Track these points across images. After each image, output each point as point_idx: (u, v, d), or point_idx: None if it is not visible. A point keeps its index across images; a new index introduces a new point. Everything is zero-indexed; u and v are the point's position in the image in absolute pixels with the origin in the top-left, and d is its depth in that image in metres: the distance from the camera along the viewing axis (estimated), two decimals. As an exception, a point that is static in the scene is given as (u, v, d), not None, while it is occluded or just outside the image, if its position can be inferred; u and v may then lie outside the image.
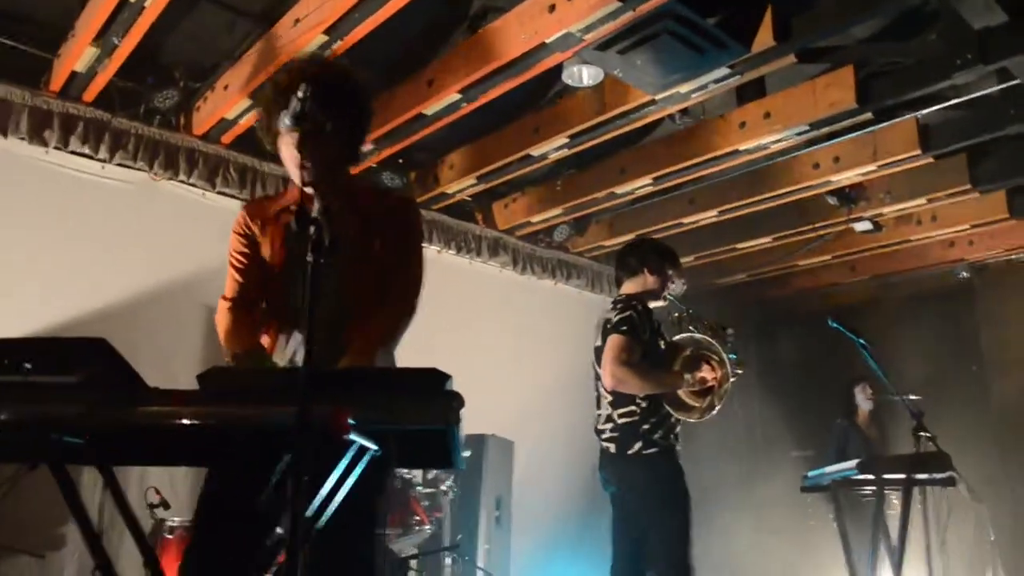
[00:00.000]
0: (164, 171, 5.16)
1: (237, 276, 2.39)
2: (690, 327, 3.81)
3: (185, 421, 1.53)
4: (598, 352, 3.69)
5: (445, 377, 1.57)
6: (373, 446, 1.65)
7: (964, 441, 5.50)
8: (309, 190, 2.27)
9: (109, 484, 1.91)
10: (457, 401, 1.56)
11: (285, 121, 1.86)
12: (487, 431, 5.77)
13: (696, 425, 6.59)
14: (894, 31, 4.51)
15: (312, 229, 1.48)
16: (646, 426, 3.55)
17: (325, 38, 4.21)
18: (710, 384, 3.63)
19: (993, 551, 5.61)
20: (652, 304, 3.80)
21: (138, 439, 1.76)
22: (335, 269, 2.08)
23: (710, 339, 3.71)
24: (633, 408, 3.57)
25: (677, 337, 3.83)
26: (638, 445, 3.52)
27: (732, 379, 3.61)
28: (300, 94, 1.80)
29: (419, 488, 4.71)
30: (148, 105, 5.01)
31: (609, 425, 3.63)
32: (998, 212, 6.21)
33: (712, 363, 3.67)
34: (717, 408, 3.61)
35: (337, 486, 1.73)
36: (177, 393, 1.60)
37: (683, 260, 7.47)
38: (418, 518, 4.54)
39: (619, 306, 3.67)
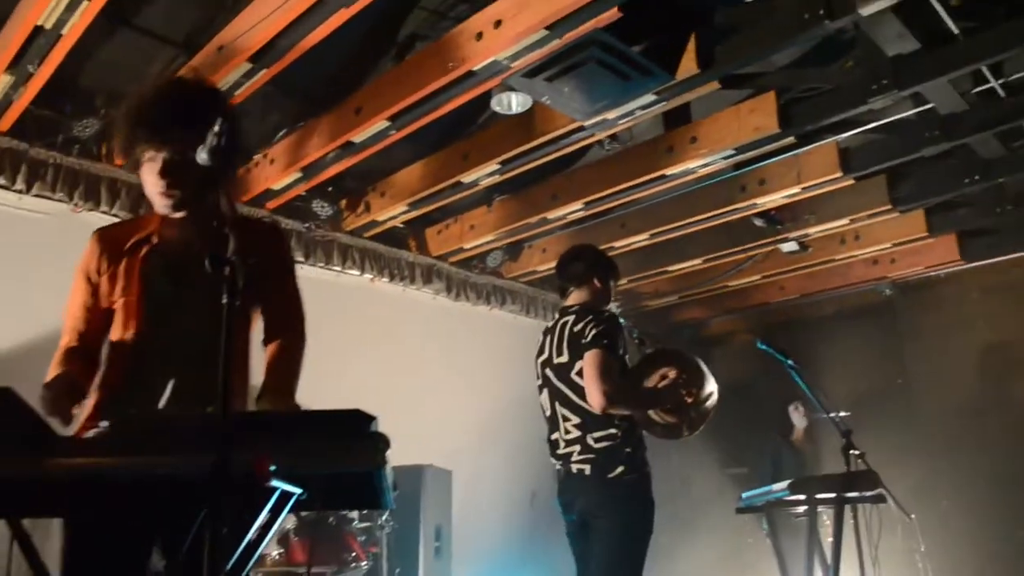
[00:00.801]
0: (85, 202, 4.99)
1: (80, 319, 2.17)
2: (635, 340, 3.73)
3: (94, 472, 1.46)
4: (561, 368, 3.44)
5: (370, 418, 1.52)
6: (297, 490, 1.60)
7: (894, 453, 5.63)
8: (178, 215, 2.18)
9: (17, 537, 1.81)
10: (383, 443, 1.52)
11: (202, 155, 1.79)
12: (424, 461, 5.69)
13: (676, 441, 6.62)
14: (813, 58, 4.64)
15: (227, 270, 1.42)
16: (628, 449, 3.31)
17: (250, 66, 4.14)
18: (689, 403, 3.45)
19: (924, 561, 5.73)
20: None
21: (46, 490, 1.67)
22: (199, 304, 1.98)
23: (690, 354, 3.62)
24: (613, 431, 3.30)
25: (652, 352, 3.73)
26: (620, 469, 3.27)
27: (714, 395, 3.50)
28: (217, 128, 1.74)
29: (355, 524, 4.61)
30: (67, 134, 4.85)
31: (578, 447, 3.34)
32: (917, 230, 6.41)
33: (690, 379, 3.50)
34: (701, 428, 3.46)
35: (261, 534, 1.67)
36: (86, 442, 1.52)
37: (616, 282, 7.65)
38: (354, 554, 4.44)
39: (590, 318, 3.39)
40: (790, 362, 3.95)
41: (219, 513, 1.34)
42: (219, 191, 1.59)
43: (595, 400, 3.24)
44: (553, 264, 6.98)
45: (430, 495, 5.61)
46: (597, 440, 3.31)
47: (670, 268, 7.30)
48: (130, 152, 2.13)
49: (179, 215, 2.19)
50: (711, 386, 3.51)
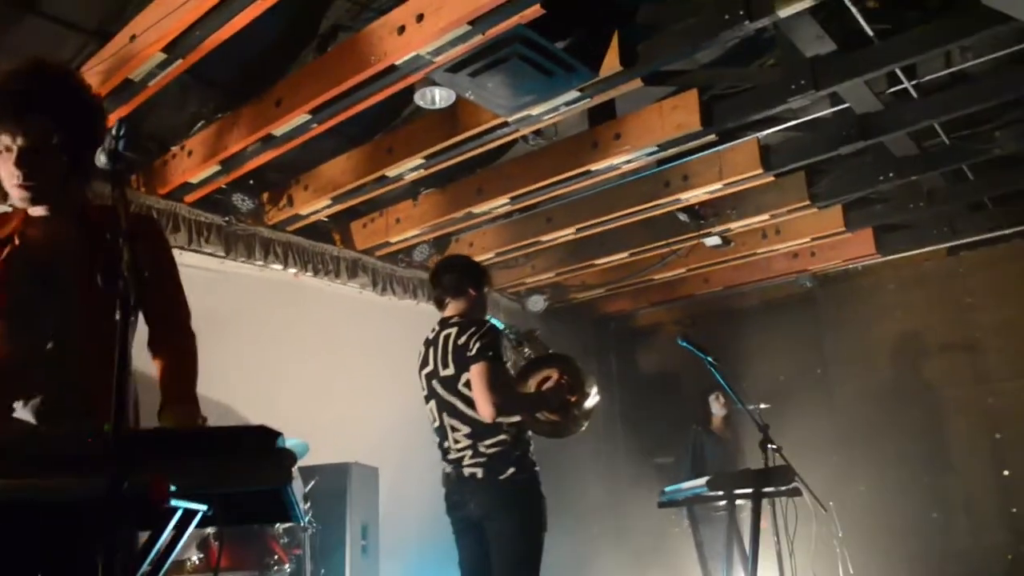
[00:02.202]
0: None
1: None
2: (513, 341, 3.80)
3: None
4: (448, 380, 3.50)
5: (275, 435, 1.48)
6: (201, 507, 1.56)
7: (813, 442, 5.81)
8: (38, 212, 2.06)
9: None
10: (288, 459, 1.48)
11: (101, 158, 1.72)
12: (350, 458, 5.63)
13: (558, 441, 6.65)
14: (735, 57, 4.71)
15: (120, 285, 1.36)
16: (518, 452, 3.42)
17: (164, 56, 4.02)
18: (573, 401, 3.60)
19: (841, 548, 5.91)
20: None
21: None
22: (70, 310, 1.89)
23: (569, 356, 3.71)
24: (504, 437, 3.40)
25: (534, 357, 3.81)
26: (511, 471, 3.37)
27: (594, 393, 3.61)
28: (115, 131, 1.67)
29: (277, 526, 4.53)
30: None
31: (468, 453, 3.45)
32: (835, 225, 6.59)
33: (571, 379, 3.64)
34: (584, 426, 3.60)
35: (166, 551, 1.62)
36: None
37: (543, 277, 7.71)
38: (276, 556, 4.37)
39: (472, 331, 3.47)
40: (709, 358, 4.01)
41: (112, 538, 1.29)
42: (114, 198, 1.50)
43: (485, 411, 3.34)
44: (482, 257, 7.04)
45: (356, 493, 5.54)
46: (488, 447, 3.41)
47: (596, 262, 7.36)
48: None
49: (41, 211, 2.06)
50: (591, 386, 3.64)
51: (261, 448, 1.47)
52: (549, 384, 3.67)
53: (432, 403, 3.62)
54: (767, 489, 3.68)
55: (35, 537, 1.82)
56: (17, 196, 2.01)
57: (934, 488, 7.05)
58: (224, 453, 1.46)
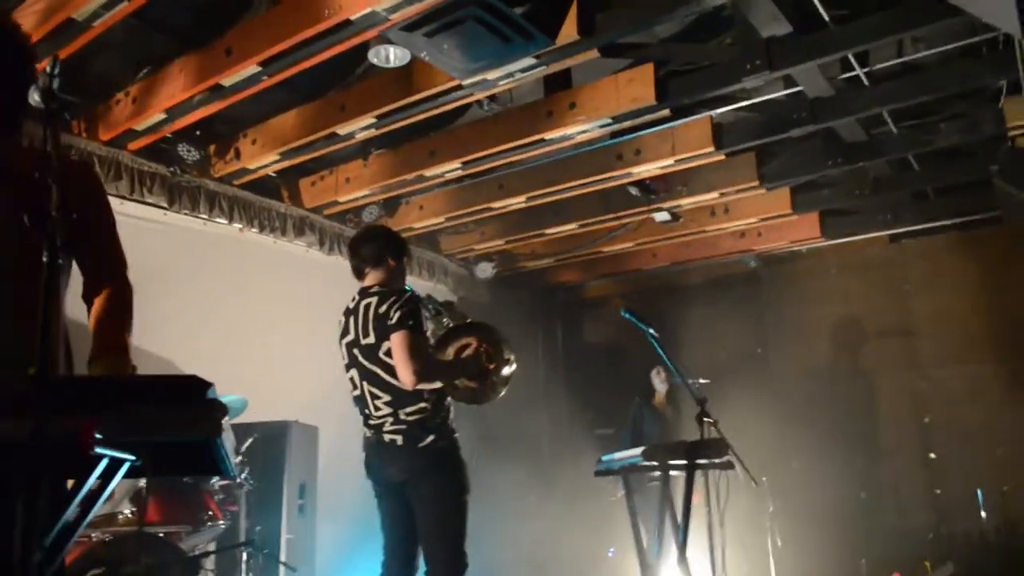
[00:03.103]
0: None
1: None
2: (432, 311, 3.82)
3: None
4: (368, 348, 3.53)
5: (206, 385, 1.47)
6: (129, 457, 1.54)
7: (750, 419, 5.93)
8: None
9: None
10: (219, 411, 1.47)
11: (34, 97, 1.66)
12: (290, 417, 5.60)
13: (502, 410, 6.70)
14: (692, 34, 4.73)
15: (48, 226, 1.33)
16: (438, 419, 3.49)
17: (111, -4, 3.89)
18: (489, 368, 3.65)
19: (772, 521, 6.07)
20: None
21: None
22: None
23: (488, 324, 3.74)
24: (424, 405, 3.47)
25: (453, 326, 3.82)
26: (431, 438, 3.44)
27: (512, 361, 3.66)
28: (49, 69, 1.62)
29: (213, 482, 4.50)
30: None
31: (389, 420, 3.49)
32: (783, 208, 6.71)
33: (489, 346, 3.69)
34: (503, 392, 3.64)
35: (90, 500, 1.61)
36: None
37: (493, 244, 7.71)
38: (211, 512, 4.34)
39: (392, 300, 3.50)
40: (651, 331, 4.07)
41: (35, 484, 1.28)
42: (45, 138, 1.46)
43: (406, 378, 3.37)
44: (429, 222, 7.00)
45: (295, 452, 5.53)
46: (409, 414, 3.47)
47: (546, 231, 7.38)
48: None
49: None
50: (509, 354, 3.68)
51: (191, 398, 1.46)
52: (468, 352, 3.71)
53: (353, 371, 3.65)
54: (700, 461, 3.76)
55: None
56: None
57: (864, 469, 7.27)
58: (153, 402, 1.45)
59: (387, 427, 3.49)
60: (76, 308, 2.12)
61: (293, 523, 5.43)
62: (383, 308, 3.50)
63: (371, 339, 3.53)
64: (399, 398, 3.47)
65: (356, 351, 3.61)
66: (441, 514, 3.43)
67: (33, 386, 1.35)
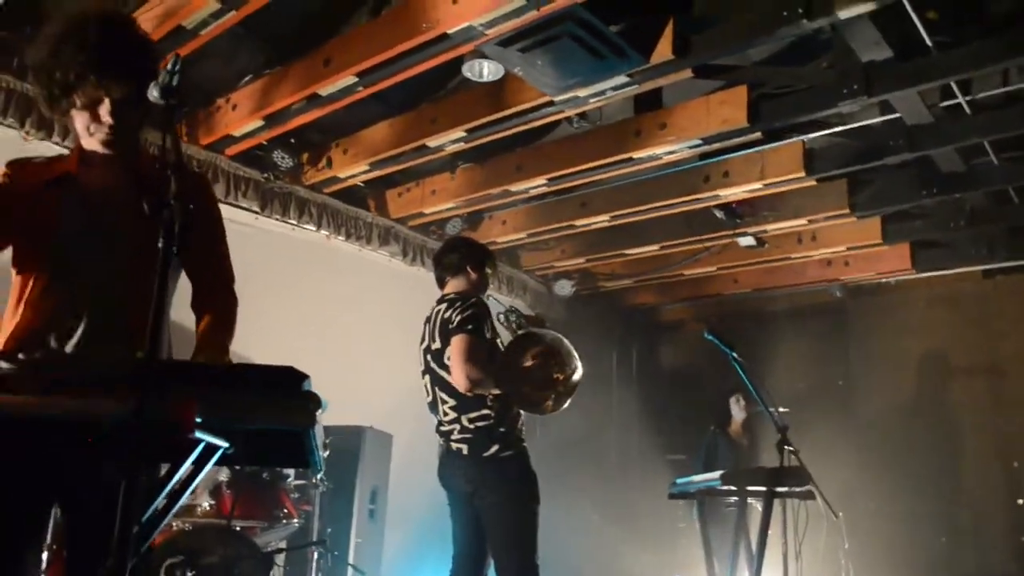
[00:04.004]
0: (37, 131, 4.83)
1: None
2: (513, 323, 3.78)
3: (13, 413, 1.40)
4: (436, 354, 3.57)
5: (302, 377, 1.49)
6: (223, 443, 1.57)
7: (827, 453, 5.75)
8: (96, 151, 2.11)
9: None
10: (313, 403, 1.49)
11: (154, 93, 1.71)
12: (366, 423, 5.67)
13: (572, 428, 6.65)
14: (788, 56, 4.65)
15: (165, 213, 1.37)
16: (502, 428, 3.47)
17: (218, 5, 4.03)
18: (558, 379, 3.53)
19: (846, 559, 5.86)
20: None
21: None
22: (119, 248, 1.93)
23: (556, 334, 3.67)
24: (487, 412, 3.46)
25: (525, 332, 3.77)
26: (495, 448, 3.43)
27: (579, 372, 3.57)
28: (171, 67, 1.68)
29: (289, 480, 4.57)
30: (24, 58, 4.67)
31: (456, 427, 3.51)
32: (872, 237, 6.50)
33: (559, 358, 3.57)
34: (567, 402, 3.52)
35: (182, 486, 1.64)
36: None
37: (573, 262, 7.69)
38: (286, 510, 4.41)
39: (458, 305, 3.55)
40: (735, 354, 3.99)
41: (136, 461, 1.31)
42: (164, 131, 1.53)
43: (460, 382, 3.40)
44: (511, 237, 7.02)
45: (369, 457, 5.59)
46: (472, 420, 3.47)
47: (627, 252, 7.31)
48: (73, 91, 2.01)
49: (104, 152, 2.11)
50: (576, 364, 3.58)
51: (288, 388, 1.48)
52: (534, 362, 3.62)
53: (427, 377, 3.70)
54: (780, 489, 3.66)
55: (54, 463, 1.84)
56: (100, 139, 2.06)
57: (945, 511, 6.97)
58: (251, 390, 1.47)
59: (455, 435, 3.51)
60: (180, 313, 2.20)
61: (363, 527, 5.48)
62: (448, 313, 3.55)
63: (438, 344, 3.59)
64: (463, 403, 3.49)
65: (428, 357, 3.66)
66: (508, 525, 3.41)
67: (139, 367, 1.38)
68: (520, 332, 3.77)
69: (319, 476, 4.79)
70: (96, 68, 1.97)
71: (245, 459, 1.56)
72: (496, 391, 3.48)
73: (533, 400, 3.59)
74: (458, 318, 3.48)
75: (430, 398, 3.68)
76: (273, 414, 1.46)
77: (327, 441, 4.94)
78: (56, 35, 2.02)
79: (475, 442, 3.45)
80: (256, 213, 5.82)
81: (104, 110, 2.03)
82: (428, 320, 3.75)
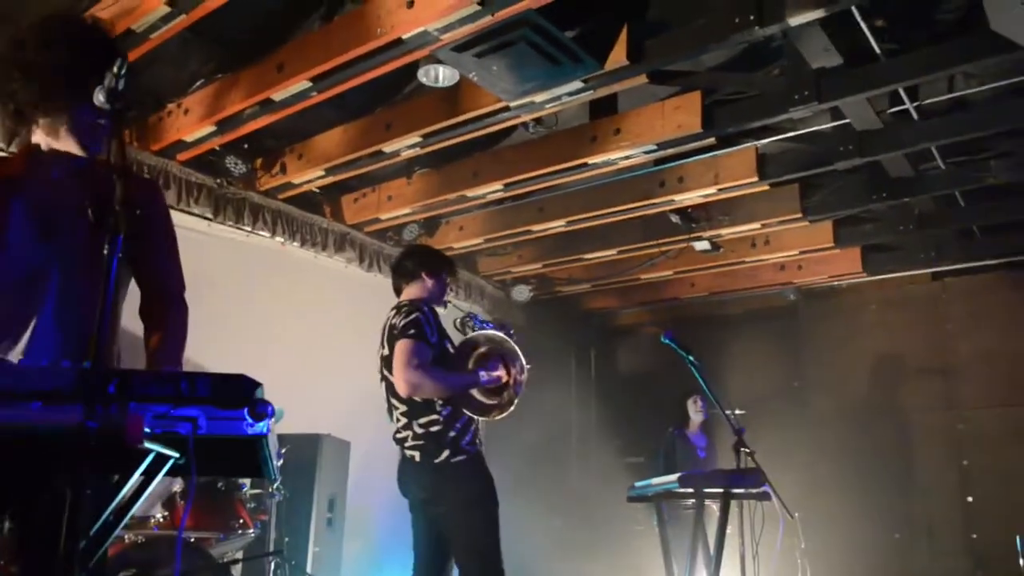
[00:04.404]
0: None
1: None
2: (469, 329, 3.78)
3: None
4: (386, 360, 3.56)
5: (254, 384, 1.47)
6: (173, 454, 1.54)
7: (783, 454, 5.82)
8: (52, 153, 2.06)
9: None
10: (267, 411, 1.46)
11: (99, 97, 1.68)
12: (323, 430, 5.61)
13: (528, 431, 6.64)
14: (741, 63, 4.72)
15: (111, 220, 1.34)
16: (452, 433, 3.44)
17: (168, 9, 3.96)
18: (505, 381, 3.55)
19: (803, 558, 5.95)
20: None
21: None
22: (69, 253, 1.90)
23: (501, 334, 3.66)
24: (435, 417, 3.44)
25: (470, 335, 3.75)
26: (446, 454, 3.41)
27: (525, 372, 3.57)
28: (117, 70, 1.65)
29: (245, 490, 4.51)
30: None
31: (409, 434, 3.49)
32: (824, 241, 6.63)
33: (505, 359, 3.60)
34: (514, 406, 3.52)
35: (132, 498, 1.61)
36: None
37: (530, 267, 7.70)
38: (242, 520, 4.35)
39: (403, 310, 3.55)
40: (691, 358, 4.02)
41: (83, 474, 1.28)
42: (110, 136, 1.49)
43: (400, 387, 3.40)
44: (468, 243, 7.02)
45: (326, 465, 5.53)
46: (422, 426, 3.46)
47: (585, 256, 7.36)
48: (42, 104, 1.99)
49: (56, 156, 2.07)
50: (520, 363, 3.59)
51: (240, 396, 1.46)
52: (474, 364, 3.66)
53: (383, 385, 3.68)
54: (736, 491, 3.69)
55: (4, 475, 1.80)
56: (79, 148, 2.04)
57: (899, 509, 7.11)
58: (202, 398, 1.45)
59: (408, 443, 3.49)
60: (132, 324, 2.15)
61: (321, 536, 5.41)
62: (395, 319, 3.54)
63: (386, 351, 3.58)
64: (413, 409, 3.48)
65: (382, 364, 3.65)
66: (467, 532, 3.38)
67: (85, 376, 1.35)
68: (465, 337, 3.77)
69: (275, 485, 4.72)
70: (73, 84, 1.93)
71: (198, 469, 1.52)
72: (439, 396, 3.46)
73: (479, 404, 3.59)
74: (401, 324, 3.48)
75: (386, 404, 3.66)
76: (225, 423, 1.43)
77: (283, 450, 4.88)
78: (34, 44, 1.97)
79: (426, 449, 3.44)
80: (209, 220, 5.75)
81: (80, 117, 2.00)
82: (383, 327, 3.73)
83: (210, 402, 1.42)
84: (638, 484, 4.22)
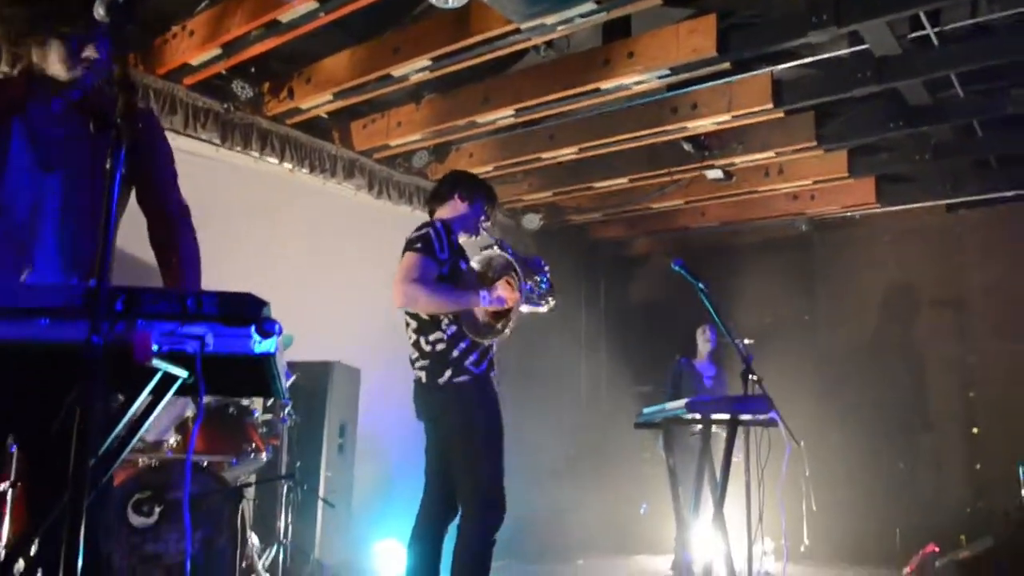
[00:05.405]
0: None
1: None
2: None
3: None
4: None
5: (261, 303, 1.46)
6: (182, 372, 1.54)
7: (792, 384, 5.84)
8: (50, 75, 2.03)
9: None
10: (274, 328, 1.45)
11: (99, 10, 1.63)
12: (334, 358, 5.65)
13: (538, 361, 6.65)
14: (758, -16, 4.59)
15: (113, 133, 1.32)
16: (455, 353, 3.37)
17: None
18: (508, 305, 3.44)
19: (807, 485, 6.02)
20: (464, 237, 3.63)
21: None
22: (72, 173, 1.89)
23: (509, 258, 3.53)
24: (439, 334, 3.38)
25: (480, 256, 3.66)
26: (448, 373, 3.34)
27: (531, 302, 3.47)
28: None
29: (256, 415, 4.56)
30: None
31: (417, 353, 3.45)
32: (839, 170, 6.54)
33: (511, 282, 3.49)
34: (508, 331, 3.41)
35: (141, 417, 1.62)
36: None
37: (540, 196, 7.64)
38: (254, 444, 4.41)
39: (419, 227, 3.48)
40: (701, 285, 4.00)
41: (91, 392, 1.28)
42: (111, 50, 1.45)
43: (395, 297, 3.35)
44: (481, 169, 6.95)
45: (336, 392, 5.59)
46: (427, 343, 3.42)
47: (595, 185, 7.29)
48: (30, 34, 1.96)
49: (54, 82, 2.04)
50: (532, 294, 3.50)
51: (247, 314, 1.45)
52: (497, 292, 3.50)
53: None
54: (744, 416, 3.70)
55: (6, 395, 1.80)
56: (67, 72, 1.99)
57: (906, 441, 7.17)
58: (209, 315, 1.44)
59: (417, 363, 3.46)
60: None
61: (332, 461, 5.50)
62: (410, 235, 3.47)
63: None
64: (421, 326, 3.44)
65: None
66: (466, 454, 3.32)
67: (91, 294, 1.35)
68: (475, 257, 3.69)
69: (287, 410, 4.78)
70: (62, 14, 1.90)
71: (207, 388, 1.52)
72: (434, 311, 3.38)
73: (478, 325, 3.49)
74: (410, 237, 3.43)
75: (405, 325, 3.59)
76: (234, 340, 1.43)
77: (295, 376, 4.92)
78: None
79: (431, 369, 3.39)
80: (216, 145, 5.70)
81: (91, 47, 1.96)
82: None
83: (217, 319, 1.41)
84: (646, 410, 4.23)
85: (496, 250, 3.63)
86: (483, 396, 3.42)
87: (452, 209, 3.65)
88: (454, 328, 3.42)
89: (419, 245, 3.37)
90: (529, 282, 3.50)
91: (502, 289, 3.46)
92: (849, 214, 7.55)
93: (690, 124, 5.78)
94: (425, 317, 3.41)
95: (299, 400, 5.01)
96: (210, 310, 1.42)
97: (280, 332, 1.45)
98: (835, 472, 6.49)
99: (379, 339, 6.24)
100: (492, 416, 3.40)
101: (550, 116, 5.92)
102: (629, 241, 9.12)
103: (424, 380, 3.43)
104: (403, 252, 3.44)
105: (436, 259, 3.38)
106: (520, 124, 6.16)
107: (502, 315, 3.48)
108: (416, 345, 3.47)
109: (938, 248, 7.40)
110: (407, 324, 3.55)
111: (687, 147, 6.31)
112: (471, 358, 3.41)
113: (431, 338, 3.41)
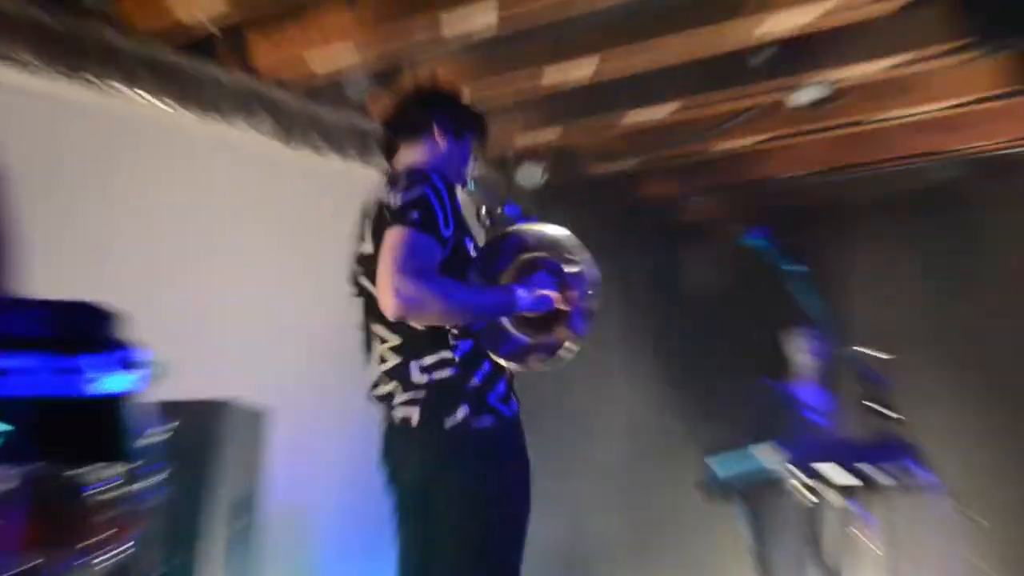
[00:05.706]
0: None
1: None
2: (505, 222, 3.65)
3: None
4: (366, 262, 3.38)
5: (105, 315, 1.41)
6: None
7: (937, 415, 5.83)
8: None
9: None
10: (129, 356, 1.41)
11: None
12: (230, 394, 5.61)
13: (554, 388, 6.68)
14: None
15: None
16: (474, 381, 3.32)
17: None
18: (556, 309, 3.40)
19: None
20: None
21: None
22: None
23: (563, 233, 3.48)
24: (446, 355, 3.31)
25: (504, 231, 3.60)
26: (462, 412, 3.27)
27: (589, 298, 3.40)
28: None
29: (102, 488, 4.49)
30: None
31: (400, 384, 3.36)
32: (995, 85, 6.51)
33: (561, 274, 3.43)
34: (571, 351, 3.38)
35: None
36: None
37: (542, 136, 7.61)
38: (100, 536, 4.34)
39: (402, 183, 3.30)
40: (795, 268, 3.96)
41: None
42: None
43: (386, 304, 3.13)
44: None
45: (235, 446, 5.54)
46: (423, 370, 3.32)
47: (625, 116, 7.26)
48: None
49: None
50: (585, 289, 3.43)
51: (85, 336, 1.40)
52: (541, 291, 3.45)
53: (360, 302, 3.53)
54: (874, 474, 3.66)
55: None
56: None
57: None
58: (29, 335, 1.39)
59: (397, 398, 3.36)
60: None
61: (228, 553, 5.45)
62: (390, 195, 3.33)
63: (369, 247, 3.38)
64: (411, 341, 3.33)
65: (357, 266, 3.52)
66: (471, 539, 3.27)
67: None
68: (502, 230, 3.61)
69: (155, 479, 4.72)
70: None
71: (25, 452, 1.49)
72: (450, 322, 3.31)
73: (514, 343, 3.43)
74: (399, 202, 3.24)
75: (362, 334, 3.54)
76: (52, 379, 1.38)
77: (171, 426, 4.86)
78: None
79: (431, 405, 3.31)
80: (45, 72, 5.62)
81: None
82: (365, 213, 3.55)
83: (28, 344, 1.35)
84: (715, 462, 4.22)
85: (521, 222, 3.58)
86: (512, 452, 3.37)
87: (427, 151, 3.60)
88: (469, 344, 3.35)
89: (417, 216, 3.19)
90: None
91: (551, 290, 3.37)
92: (1015, 151, 7.52)
93: (767, 21, 5.71)
94: (419, 329, 3.30)
95: (177, 461, 4.95)
96: (16, 328, 1.36)
97: (136, 362, 1.40)
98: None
99: (296, 365, 6.24)
100: (520, 483, 3.35)
101: (553, 7, 5.85)
102: (681, 202, 9.11)
103: (416, 422, 3.33)
104: (383, 224, 3.30)
105: (439, 237, 3.24)
106: (507, 28, 6.10)
107: (544, 324, 3.40)
108: (397, 373, 3.37)
109: None
110: (375, 338, 3.45)
111: (760, 59, 6.25)
112: (497, 391, 3.36)
113: (429, 361, 3.33)
